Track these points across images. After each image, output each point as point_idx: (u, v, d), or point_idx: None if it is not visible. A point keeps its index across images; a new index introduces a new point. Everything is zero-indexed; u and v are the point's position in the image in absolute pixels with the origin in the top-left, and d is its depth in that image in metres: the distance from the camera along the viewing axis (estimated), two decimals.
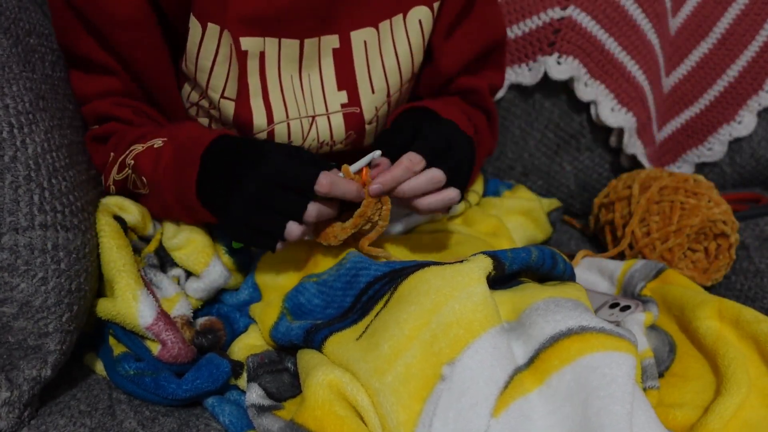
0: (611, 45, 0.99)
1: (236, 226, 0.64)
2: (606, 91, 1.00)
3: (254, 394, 0.60)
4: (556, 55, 0.98)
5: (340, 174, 0.64)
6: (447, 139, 0.67)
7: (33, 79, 0.66)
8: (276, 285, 0.71)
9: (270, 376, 0.62)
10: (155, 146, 0.69)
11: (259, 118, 0.72)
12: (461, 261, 0.57)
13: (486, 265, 0.56)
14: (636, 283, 0.76)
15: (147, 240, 0.74)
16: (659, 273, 0.76)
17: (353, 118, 0.76)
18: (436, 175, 0.64)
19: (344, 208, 0.67)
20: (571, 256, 0.85)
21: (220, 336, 0.68)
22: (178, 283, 0.70)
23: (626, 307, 0.70)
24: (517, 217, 0.91)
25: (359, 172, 0.65)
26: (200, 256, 0.69)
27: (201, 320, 0.69)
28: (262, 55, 0.70)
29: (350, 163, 0.65)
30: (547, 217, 0.95)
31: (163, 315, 0.64)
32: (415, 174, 0.64)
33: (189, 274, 0.71)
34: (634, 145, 1.02)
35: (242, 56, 0.69)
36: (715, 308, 0.65)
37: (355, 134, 0.77)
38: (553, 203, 1.00)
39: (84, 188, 0.67)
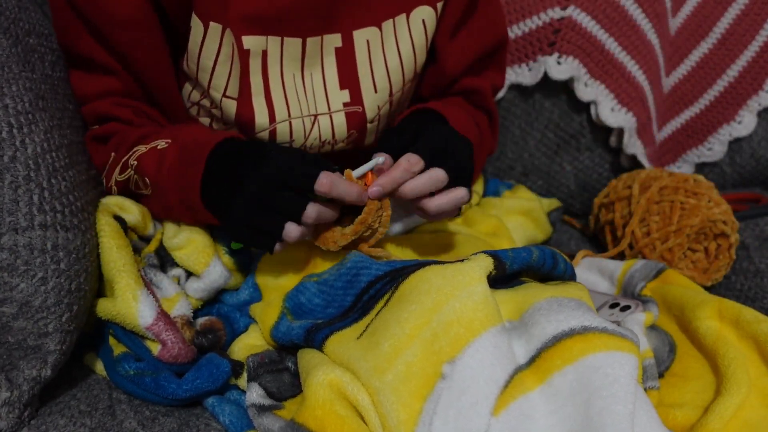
0: (611, 45, 0.99)
1: (236, 225, 0.64)
2: (606, 91, 1.00)
3: (254, 394, 0.60)
4: (556, 55, 0.98)
5: (343, 177, 0.64)
6: (445, 140, 0.67)
7: (32, 79, 0.65)
8: (276, 285, 0.71)
9: (270, 375, 0.62)
10: (159, 147, 0.69)
11: (261, 117, 0.73)
12: (462, 260, 0.57)
13: (487, 264, 0.56)
14: (636, 283, 0.76)
15: (147, 240, 0.74)
16: (659, 273, 0.76)
17: (355, 117, 0.76)
18: (438, 174, 0.64)
19: (344, 213, 0.67)
20: (571, 256, 0.85)
21: (220, 336, 0.68)
22: (178, 283, 0.70)
23: (626, 307, 0.70)
24: (517, 217, 0.91)
25: (362, 177, 0.65)
26: (201, 256, 0.69)
27: (201, 320, 0.69)
28: (264, 53, 0.70)
29: (354, 167, 0.65)
30: (547, 217, 0.95)
31: (163, 315, 0.64)
32: (414, 175, 0.64)
33: (189, 274, 0.71)
34: (634, 145, 1.02)
35: (244, 55, 0.69)
36: (715, 308, 0.65)
37: (356, 133, 0.77)
38: (553, 203, 1.00)
39: (84, 188, 0.67)
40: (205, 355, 0.65)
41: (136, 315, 0.63)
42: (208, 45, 0.69)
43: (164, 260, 0.71)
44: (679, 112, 1.12)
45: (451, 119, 0.75)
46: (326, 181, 0.61)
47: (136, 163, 0.70)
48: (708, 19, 1.08)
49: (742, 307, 0.63)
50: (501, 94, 1.04)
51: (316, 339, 0.60)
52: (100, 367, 0.67)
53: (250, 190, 0.62)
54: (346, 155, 0.79)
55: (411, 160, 0.64)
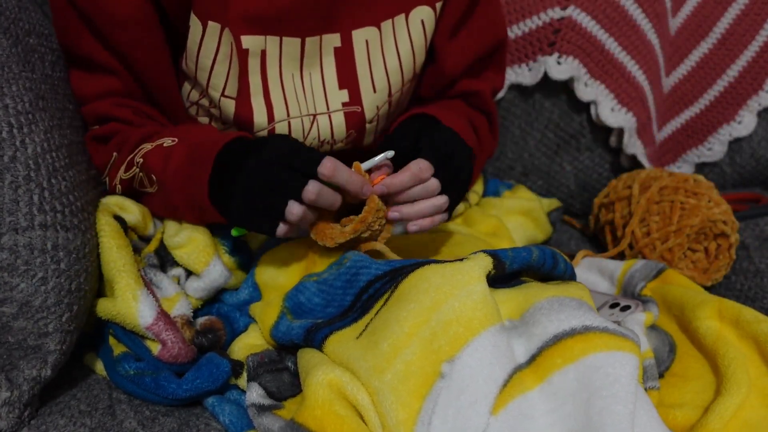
0: (611, 45, 0.99)
1: (238, 207, 0.63)
2: (606, 91, 1.00)
3: (254, 394, 0.60)
4: (556, 55, 0.98)
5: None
6: (451, 147, 0.67)
7: (32, 79, 0.65)
8: (276, 284, 0.71)
9: (270, 375, 0.62)
10: (165, 145, 0.69)
11: (259, 117, 0.73)
12: (461, 259, 0.57)
13: (486, 263, 0.56)
14: (636, 283, 0.76)
15: (147, 240, 0.74)
16: (659, 273, 0.76)
17: (354, 117, 0.76)
18: (431, 185, 0.65)
19: (345, 212, 0.66)
20: (571, 256, 0.85)
21: (220, 335, 0.68)
22: (178, 283, 0.70)
23: (626, 307, 0.70)
24: (517, 217, 0.91)
25: (370, 170, 0.65)
26: (201, 255, 0.69)
27: (201, 320, 0.69)
28: (263, 53, 0.70)
29: (361, 161, 0.65)
30: (547, 217, 0.95)
31: (163, 315, 0.64)
32: (422, 182, 0.64)
33: (189, 273, 0.71)
34: (634, 145, 1.02)
35: (243, 55, 0.69)
36: (715, 308, 0.65)
37: (355, 133, 0.77)
38: (553, 203, 1.00)
39: (84, 188, 0.67)
40: (205, 354, 0.65)
41: (136, 315, 0.63)
42: (207, 44, 0.69)
43: (164, 260, 0.71)
44: (679, 112, 1.12)
45: (446, 123, 0.74)
46: (330, 165, 0.60)
47: (142, 160, 0.70)
48: (708, 19, 1.08)
49: (742, 307, 0.63)
50: (501, 94, 1.04)
51: (315, 338, 0.60)
52: (100, 367, 0.67)
53: (251, 167, 0.61)
54: (345, 155, 0.79)
55: (422, 167, 0.64)
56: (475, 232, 0.83)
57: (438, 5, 0.75)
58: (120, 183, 0.72)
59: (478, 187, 0.94)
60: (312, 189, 0.60)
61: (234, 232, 0.69)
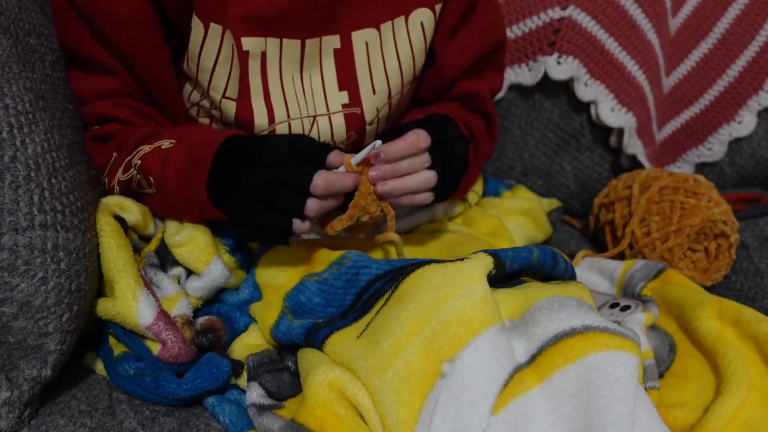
0: (611, 45, 0.99)
1: (241, 226, 0.65)
2: (606, 91, 1.00)
3: (254, 394, 0.60)
4: (556, 55, 0.98)
5: (342, 168, 0.64)
6: (449, 135, 0.68)
7: (33, 79, 0.66)
8: (276, 284, 0.71)
9: (270, 375, 0.62)
10: (163, 147, 0.69)
11: (260, 118, 0.73)
12: (462, 259, 0.57)
13: (487, 263, 0.56)
14: (636, 283, 0.76)
15: (147, 239, 0.74)
16: (659, 273, 0.76)
17: (354, 119, 0.76)
18: (424, 158, 0.65)
19: (350, 198, 0.67)
20: (571, 256, 0.85)
21: (220, 335, 0.68)
22: (179, 283, 0.70)
23: (626, 307, 0.70)
24: (517, 217, 0.91)
25: (362, 163, 0.65)
26: (202, 255, 0.69)
27: (201, 320, 0.69)
28: (263, 55, 0.70)
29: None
30: (547, 217, 0.95)
31: (163, 315, 0.64)
32: (420, 151, 0.64)
33: (189, 273, 0.71)
34: (634, 145, 1.02)
35: (243, 56, 0.69)
36: (715, 308, 0.65)
37: (355, 135, 0.77)
38: (553, 203, 1.00)
39: (84, 188, 0.67)
40: (205, 354, 0.65)
41: (136, 315, 0.63)
42: (209, 46, 0.69)
43: (164, 260, 0.71)
44: (679, 112, 1.12)
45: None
46: (321, 184, 0.61)
47: (139, 162, 0.70)
48: (708, 19, 1.08)
49: (742, 307, 0.63)
50: (501, 94, 1.04)
51: (316, 338, 0.60)
52: (100, 367, 0.67)
53: (248, 189, 0.62)
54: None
55: (420, 136, 0.64)
56: (475, 232, 0.83)
57: (437, 7, 0.75)
58: (118, 184, 0.73)
59: (478, 187, 0.94)
60: (312, 207, 0.62)
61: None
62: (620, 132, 1.03)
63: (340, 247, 0.69)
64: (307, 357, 0.60)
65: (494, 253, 0.58)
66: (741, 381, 0.57)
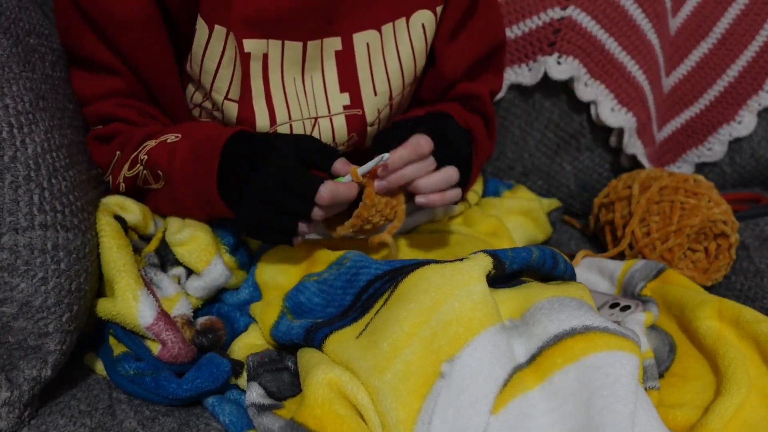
0: (611, 45, 0.99)
1: (246, 224, 0.65)
2: (606, 91, 1.00)
3: (254, 393, 0.60)
4: (556, 55, 0.98)
5: (348, 177, 0.64)
6: (448, 128, 0.68)
7: (33, 79, 0.66)
8: (276, 284, 0.71)
9: (270, 375, 0.62)
10: (168, 141, 0.69)
11: (262, 120, 0.73)
12: (461, 259, 0.57)
13: (486, 263, 0.56)
14: (636, 283, 0.76)
15: (147, 239, 0.74)
16: (659, 273, 0.76)
17: (355, 120, 0.76)
18: (451, 172, 0.65)
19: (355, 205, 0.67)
20: (571, 256, 0.85)
21: (220, 335, 0.68)
22: (179, 283, 0.70)
23: (626, 307, 0.70)
24: (517, 217, 0.91)
25: (367, 174, 0.65)
26: (202, 254, 0.69)
27: (201, 320, 0.69)
28: (265, 57, 0.70)
29: (360, 164, 0.65)
30: (547, 217, 0.95)
31: (163, 315, 0.64)
32: (423, 156, 0.64)
33: (189, 273, 0.71)
34: (634, 145, 1.02)
35: (245, 58, 0.69)
36: (715, 308, 0.65)
37: (357, 136, 0.77)
38: (553, 203, 1.00)
39: (84, 188, 0.67)
40: (205, 354, 0.65)
41: (136, 315, 0.63)
42: (213, 48, 0.69)
43: (164, 260, 0.71)
44: (679, 112, 1.12)
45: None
46: (326, 195, 0.61)
47: (146, 157, 0.70)
48: (708, 19, 1.08)
49: (742, 307, 0.63)
50: (501, 94, 1.04)
51: (315, 338, 0.60)
52: (100, 367, 0.67)
53: (256, 192, 0.63)
54: (347, 158, 0.79)
55: (421, 141, 0.64)
56: (475, 232, 0.83)
57: (438, 9, 0.75)
58: (124, 181, 0.72)
59: (478, 187, 0.94)
60: (319, 213, 0.63)
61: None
62: (620, 132, 1.03)
63: (340, 248, 0.69)
64: (307, 357, 0.60)
65: (494, 254, 0.58)
66: (741, 381, 0.57)
